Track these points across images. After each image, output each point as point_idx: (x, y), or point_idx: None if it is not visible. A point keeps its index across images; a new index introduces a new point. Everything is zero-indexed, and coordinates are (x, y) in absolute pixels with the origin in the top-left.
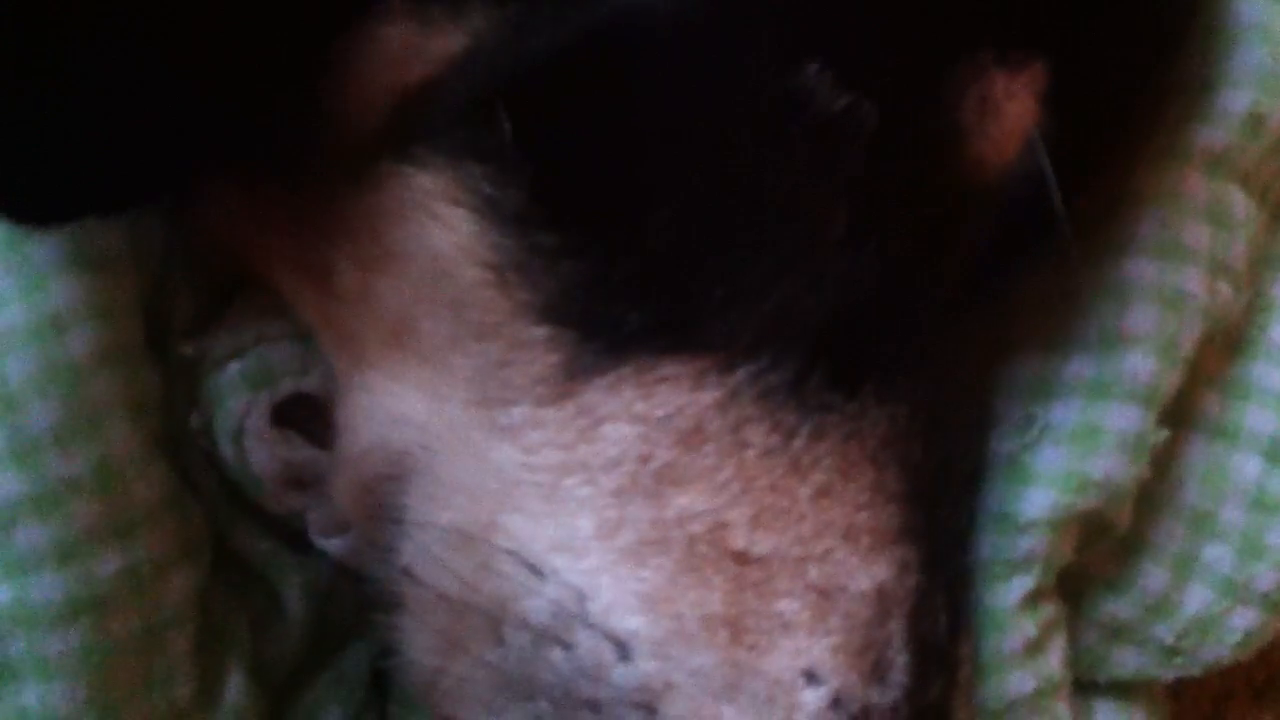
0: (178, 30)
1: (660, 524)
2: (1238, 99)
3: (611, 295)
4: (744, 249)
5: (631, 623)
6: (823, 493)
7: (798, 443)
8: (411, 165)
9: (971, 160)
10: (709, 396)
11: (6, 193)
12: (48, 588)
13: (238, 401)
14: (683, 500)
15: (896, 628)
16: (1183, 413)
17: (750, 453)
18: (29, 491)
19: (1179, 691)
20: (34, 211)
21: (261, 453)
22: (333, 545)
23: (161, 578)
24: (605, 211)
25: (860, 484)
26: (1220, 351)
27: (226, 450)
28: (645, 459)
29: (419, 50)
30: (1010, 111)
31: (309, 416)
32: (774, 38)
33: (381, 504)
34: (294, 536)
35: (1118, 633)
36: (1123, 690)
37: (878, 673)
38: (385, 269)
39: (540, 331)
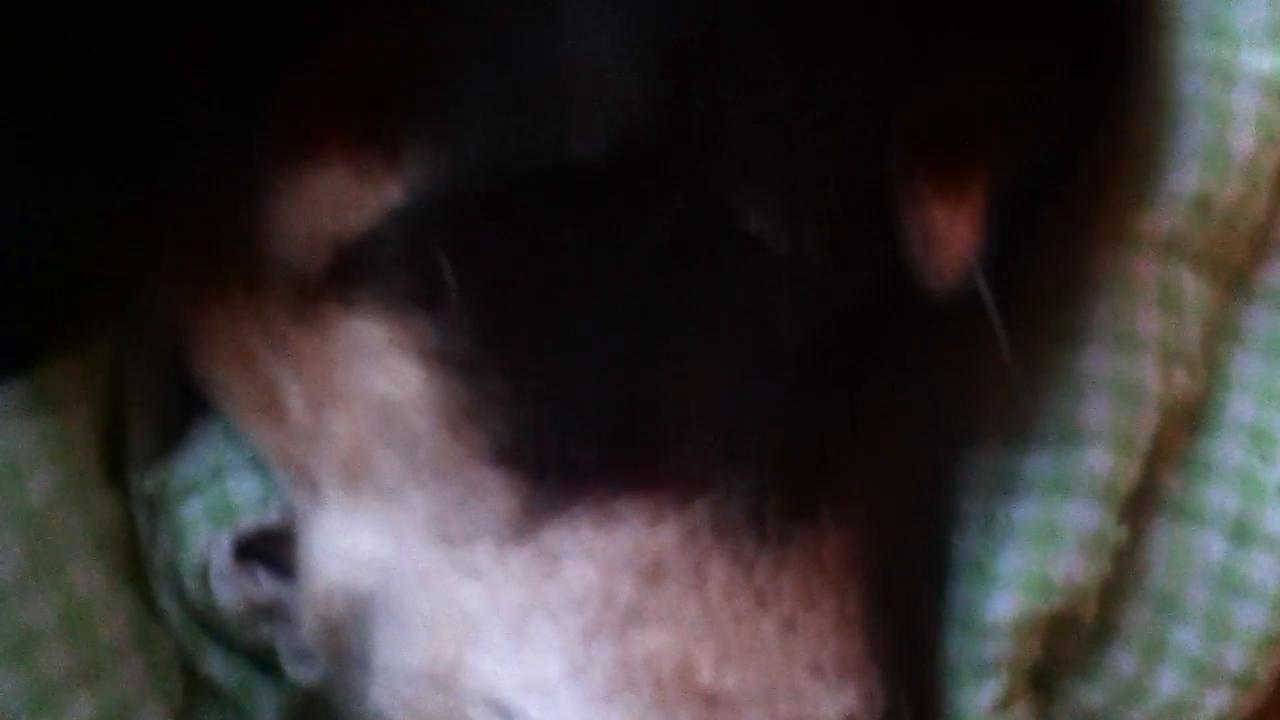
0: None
1: (627, 664)
2: (1184, 181)
3: (564, 436)
4: (692, 386)
5: None
6: (787, 625)
7: (759, 575)
8: (355, 312)
9: (916, 288)
10: (668, 532)
11: None
12: None
13: (200, 539)
14: (649, 639)
15: None
16: (1145, 493)
17: (713, 588)
18: None
19: None
20: None
21: (226, 590)
22: (304, 672)
23: (133, 717)
24: (553, 355)
25: (824, 613)
26: (1180, 430)
27: (191, 586)
28: (609, 598)
29: (356, 200)
30: (951, 241)
31: (274, 548)
32: (716, 186)
33: (348, 646)
34: (266, 662)
35: (1091, 719)
36: None
37: None
38: (336, 406)
39: (496, 473)
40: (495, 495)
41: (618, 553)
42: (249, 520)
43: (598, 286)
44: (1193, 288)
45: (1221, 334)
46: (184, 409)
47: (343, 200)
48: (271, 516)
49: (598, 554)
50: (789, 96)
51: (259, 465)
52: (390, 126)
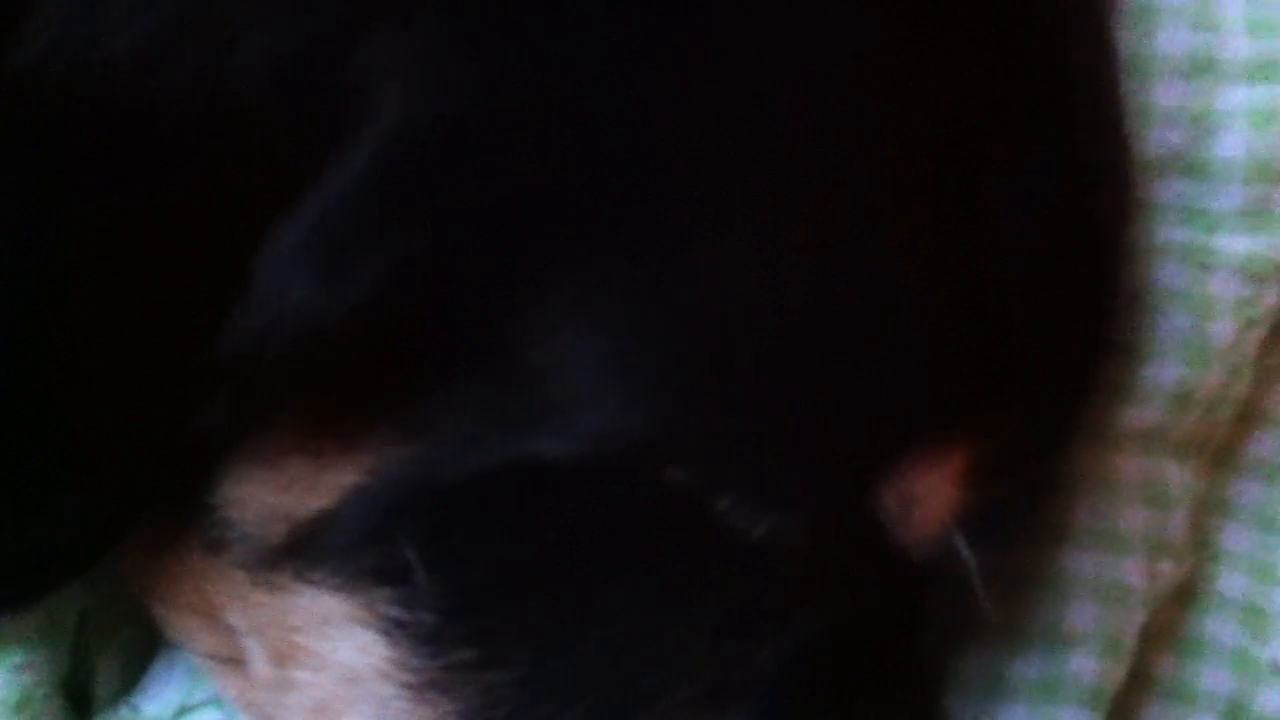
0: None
1: None
2: (1164, 373)
3: (537, 699)
4: (675, 652)
5: None
6: None
7: None
8: (315, 586)
9: (893, 548)
10: None
11: None
12: None
13: None
14: None
15: None
16: (1136, 676)
17: None
18: None
19: None
20: None
21: None
22: None
23: None
24: (524, 623)
25: None
26: (1172, 608)
27: None
28: None
29: (312, 482)
30: (931, 503)
31: None
32: (684, 475)
33: None
34: None
35: None
36: None
37: None
38: (300, 665)
39: None
40: None
41: None
42: None
43: (568, 568)
44: (1177, 476)
45: (1210, 509)
46: (147, 643)
47: (298, 482)
48: None
49: None
50: (773, 411)
51: (224, 703)
52: (349, 417)
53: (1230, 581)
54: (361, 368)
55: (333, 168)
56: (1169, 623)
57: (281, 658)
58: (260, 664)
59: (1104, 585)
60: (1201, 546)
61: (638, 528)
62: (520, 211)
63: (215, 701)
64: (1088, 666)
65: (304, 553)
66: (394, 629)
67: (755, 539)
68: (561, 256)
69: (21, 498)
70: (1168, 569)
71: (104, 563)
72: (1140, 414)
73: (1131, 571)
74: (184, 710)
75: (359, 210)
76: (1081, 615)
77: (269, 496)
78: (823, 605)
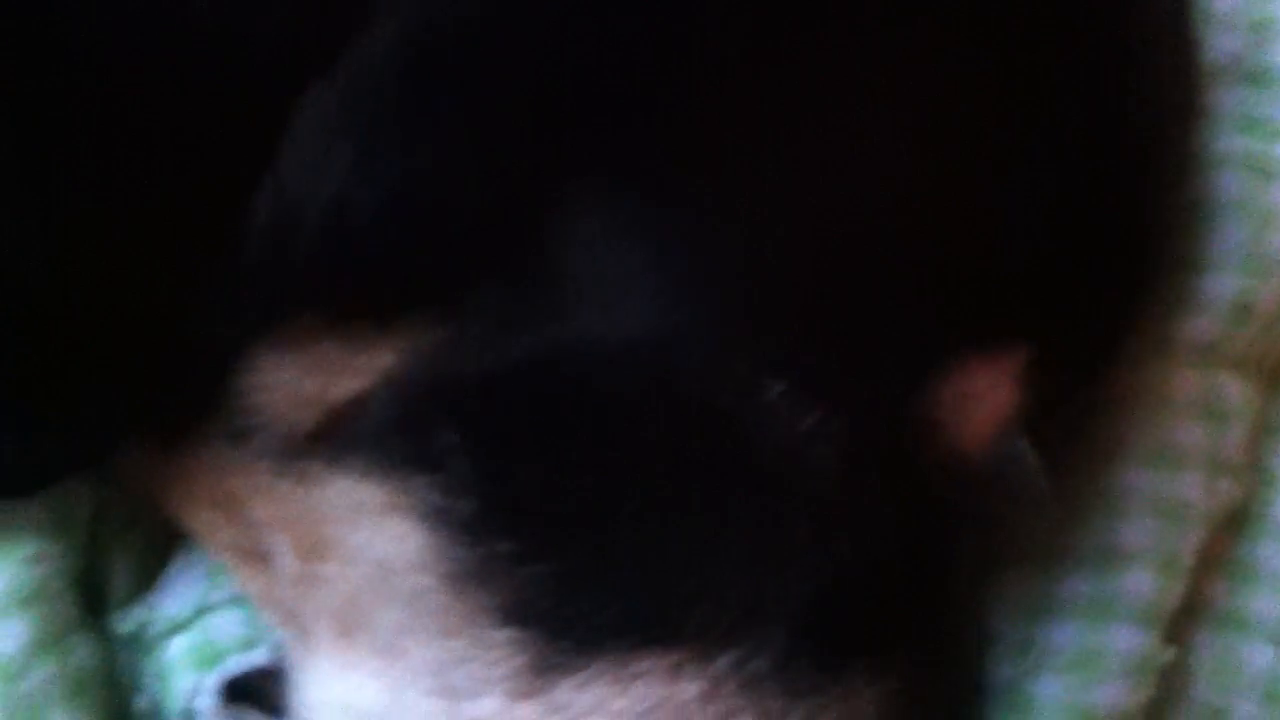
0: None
1: None
2: (1223, 284)
3: (576, 595)
4: (711, 548)
5: None
6: None
7: None
8: (346, 473)
9: (948, 449)
10: (690, 689)
11: None
12: None
13: (185, 682)
14: None
15: None
16: (1189, 603)
17: None
18: None
19: None
20: None
21: None
22: None
23: None
24: (563, 516)
25: None
26: (1224, 533)
27: None
28: None
29: (345, 363)
30: (990, 401)
31: (263, 686)
32: (735, 361)
33: None
34: None
35: None
36: None
37: None
38: (327, 558)
39: (503, 633)
40: (504, 652)
41: (638, 710)
42: (236, 662)
43: (609, 456)
44: (1237, 392)
45: (1265, 431)
46: (164, 545)
47: (331, 364)
48: (259, 657)
49: (616, 712)
50: (829, 303)
51: (245, 601)
52: (386, 300)
53: None
54: (395, 252)
55: (360, 45)
56: (1221, 548)
57: (309, 551)
58: (286, 558)
59: (1162, 501)
60: (1256, 470)
61: (677, 427)
62: (561, 114)
63: (235, 600)
64: (1143, 583)
65: (336, 438)
66: (432, 516)
67: (802, 429)
68: (605, 158)
69: (42, 381)
70: (1226, 486)
71: (119, 457)
72: (1198, 326)
73: (1190, 487)
74: (203, 610)
75: (391, 93)
76: (1138, 532)
77: (298, 380)
78: (862, 525)
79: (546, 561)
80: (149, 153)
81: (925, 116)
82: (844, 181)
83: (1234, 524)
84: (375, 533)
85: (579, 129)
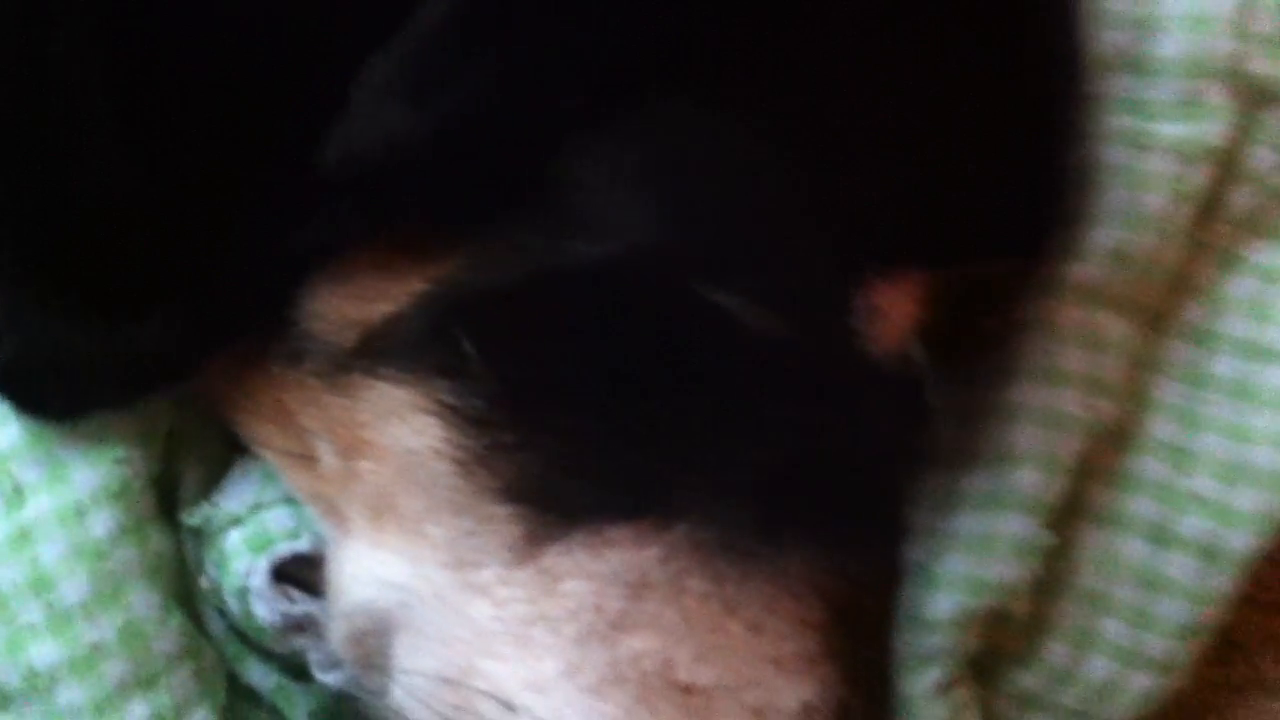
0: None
1: (615, 664)
2: (1105, 236)
3: (562, 476)
4: (674, 437)
5: None
6: (753, 628)
7: (729, 587)
8: (382, 381)
9: (864, 354)
10: (651, 553)
11: (31, 394)
12: None
13: (240, 564)
14: (634, 643)
15: None
16: (1075, 505)
17: (689, 598)
18: (65, 657)
19: None
20: (54, 409)
21: (264, 607)
22: (332, 678)
23: (183, 718)
24: (555, 413)
25: (784, 617)
26: (1107, 449)
27: (233, 606)
28: (599, 609)
29: (384, 290)
30: (893, 315)
31: (304, 571)
32: (702, 275)
33: (371, 654)
34: (298, 669)
35: (1028, 701)
36: None
37: None
38: (363, 455)
39: (503, 509)
40: (503, 526)
41: (608, 571)
42: (283, 548)
43: (596, 357)
44: (1114, 328)
45: (1146, 366)
46: (226, 456)
47: (370, 292)
48: (303, 544)
49: (591, 572)
50: (770, 221)
51: (292, 501)
52: (420, 236)
53: (1160, 427)
54: (434, 187)
55: (422, 9)
56: (1105, 461)
57: (348, 450)
58: (329, 458)
59: (1046, 413)
60: (1137, 398)
61: (656, 327)
62: (568, 79)
63: (284, 500)
64: (1030, 480)
65: (373, 353)
66: (448, 413)
67: (754, 328)
68: (603, 114)
69: (134, 309)
70: (1102, 405)
71: (194, 379)
72: (1083, 270)
73: (1070, 401)
74: (257, 507)
75: (442, 46)
76: (1026, 438)
77: (344, 307)
78: (806, 416)
79: (539, 450)
80: (238, 106)
81: (864, 89)
82: (789, 138)
83: (1117, 440)
84: (402, 430)
85: (581, 91)
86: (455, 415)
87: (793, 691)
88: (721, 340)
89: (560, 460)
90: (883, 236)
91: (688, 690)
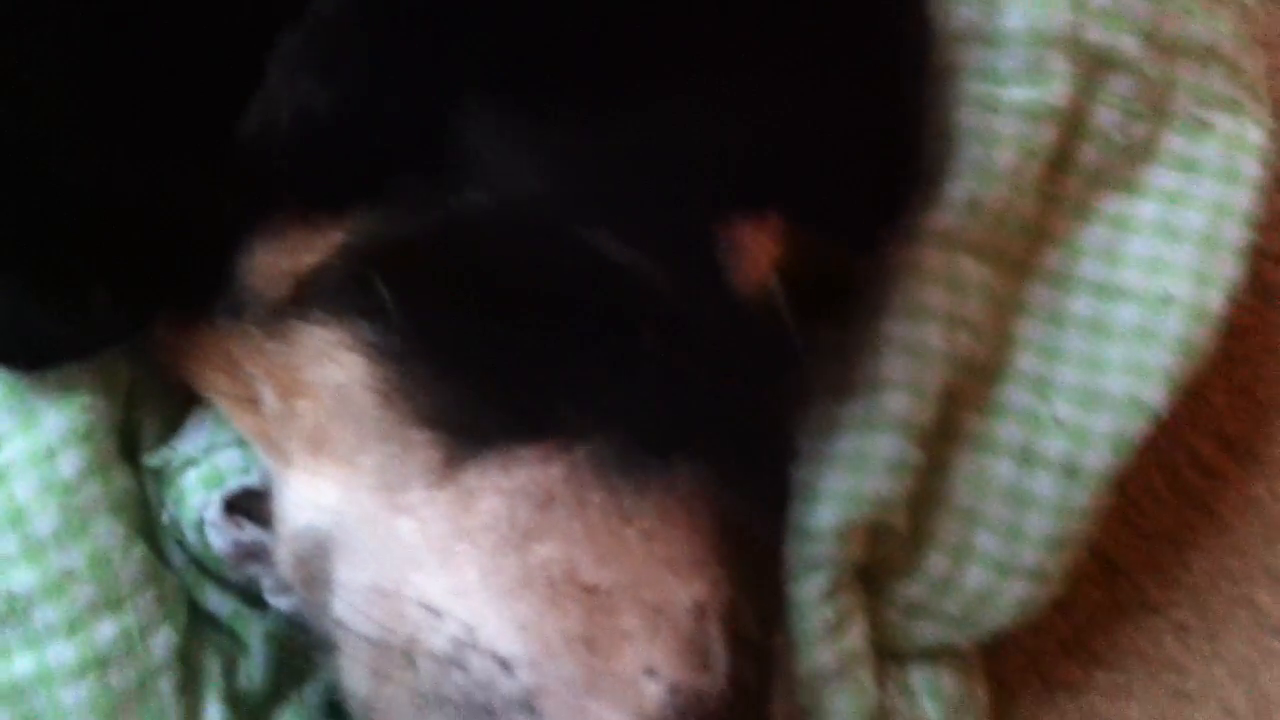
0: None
1: (527, 569)
2: (959, 188)
3: (475, 405)
4: (570, 366)
5: (511, 646)
6: (648, 535)
7: (626, 499)
8: (313, 324)
9: (730, 289)
10: (555, 471)
11: (2, 349)
12: (60, 653)
13: (196, 500)
14: (543, 550)
15: (715, 630)
16: (950, 431)
17: (590, 510)
18: (39, 582)
19: (994, 651)
20: (23, 362)
21: (219, 538)
22: (283, 603)
23: (148, 637)
24: (464, 346)
25: (676, 524)
26: (976, 381)
27: (191, 537)
28: (512, 522)
29: (309, 243)
30: (754, 251)
31: (254, 504)
32: (580, 219)
33: (314, 573)
34: (253, 597)
35: (913, 610)
36: (931, 656)
37: (703, 666)
38: (301, 396)
39: (424, 435)
40: (424, 451)
41: (518, 487)
42: (234, 483)
43: (495, 295)
44: (973, 270)
45: (1010, 308)
46: (182, 404)
47: (299, 246)
48: (252, 480)
49: (503, 489)
50: (638, 169)
51: (241, 443)
52: (339, 194)
53: (1024, 360)
54: (346, 150)
55: (317, 9)
56: (975, 391)
57: (287, 392)
58: (271, 400)
59: (912, 344)
60: (1003, 335)
61: (544, 267)
62: (464, 46)
63: (235, 442)
64: (900, 404)
65: (304, 300)
66: (371, 350)
67: (623, 263)
68: (496, 78)
69: (91, 269)
70: (965, 339)
71: (149, 333)
72: (941, 218)
73: (933, 335)
74: (211, 449)
75: (349, 21)
76: (895, 367)
77: (277, 261)
78: (685, 340)
79: (451, 380)
80: (167, 85)
81: (730, 56)
82: (659, 95)
83: (985, 373)
84: (332, 368)
85: (476, 57)
86: (377, 352)
87: (686, 590)
88: (601, 277)
89: (471, 389)
90: (744, 182)
91: (591, 590)
